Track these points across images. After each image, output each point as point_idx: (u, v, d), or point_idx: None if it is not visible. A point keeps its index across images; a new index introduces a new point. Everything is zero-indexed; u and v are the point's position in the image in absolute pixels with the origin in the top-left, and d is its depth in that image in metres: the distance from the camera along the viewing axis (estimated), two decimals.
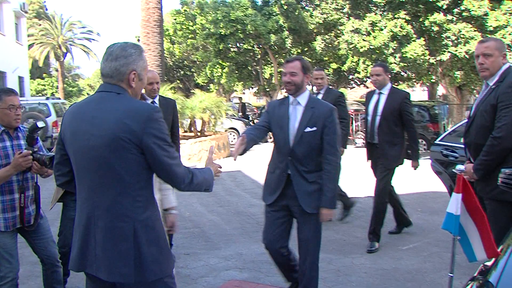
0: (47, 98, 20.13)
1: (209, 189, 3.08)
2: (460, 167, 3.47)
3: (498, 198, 4.20)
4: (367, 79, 37.83)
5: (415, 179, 11.62)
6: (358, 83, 42.93)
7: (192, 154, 16.28)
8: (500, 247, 2.66)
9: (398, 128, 6.70)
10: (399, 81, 29.75)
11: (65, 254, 5.01)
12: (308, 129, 4.35)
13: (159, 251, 2.86)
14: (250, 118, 27.93)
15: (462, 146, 5.99)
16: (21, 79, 34.93)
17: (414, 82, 28.03)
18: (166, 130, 2.81)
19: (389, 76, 6.93)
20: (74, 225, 2.93)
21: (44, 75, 60.10)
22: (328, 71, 37.21)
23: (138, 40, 36.12)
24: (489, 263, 2.65)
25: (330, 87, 8.95)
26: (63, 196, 5.25)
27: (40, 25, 55.32)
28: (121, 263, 2.74)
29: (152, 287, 2.86)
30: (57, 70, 59.12)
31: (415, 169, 6.96)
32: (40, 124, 4.58)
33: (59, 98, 26.90)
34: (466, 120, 6.47)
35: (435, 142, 6.39)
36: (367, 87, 45.90)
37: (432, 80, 19.70)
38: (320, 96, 7.46)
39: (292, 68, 4.37)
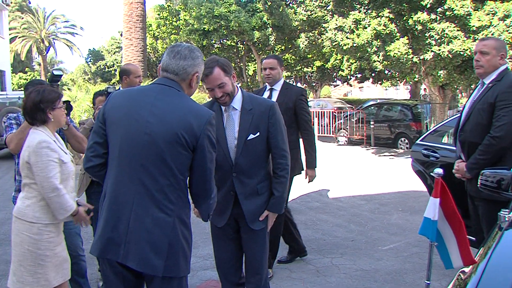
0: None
1: (210, 217, 3.17)
2: (438, 170, 3.37)
3: (490, 198, 4.14)
4: (351, 77, 38.05)
5: (396, 178, 11.63)
6: (342, 80, 43.05)
7: None
8: (478, 252, 2.59)
9: (292, 129, 5.60)
10: (383, 80, 29.87)
11: None
12: (251, 136, 3.72)
13: (189, 249, 2.93)
14: None
15: (443, 146, 5.98)
16: (2, 73, 34.58)
17: (398, 80, 28.13)
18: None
19: (283, 70, 6.10)
20: (101, 209, 2.89)
21: (26, 69, 59.49)
22: (312, 69, 37.32)
23: (121, 35, 35.84)
24: (467, 270, 2.58)
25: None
26: (88, 187, 5.24)
27: (22, 18, 54.80)
28: (154, 254, 2.76)
29: (174, 284, 2.89)
30: (39, 64, 58.70)
31: (310, 180, 5.85)
32: (57, 72, 4.84)
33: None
34: (448, 120, 6.47)
35: (416, 142, 6.32)
36: (351, 85, 46.15)
37: (415, 79, 19.73)
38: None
39: (218, 80, 3.61)
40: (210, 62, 3.63)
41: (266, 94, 5.83)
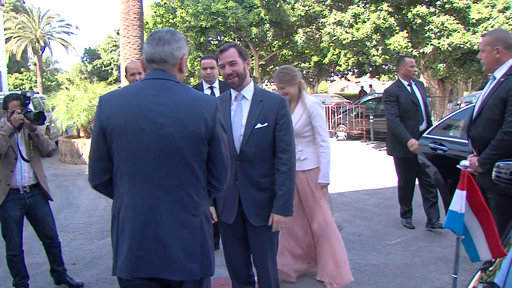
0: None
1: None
2: (464, 162, 3.31)
3: (503, 192, 4.10)
4: (348, 72, 38.03)
5: None
6: (339, 76, 43.04)
7: None
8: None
9: None
10: (381, 74, 29.82)
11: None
12: (259, 125, 3.70)
13: (213, 246, 2.83)
14: None
15: (451, 139, 5.95)
16: None
17: (396, 75, 28.12)
18: None
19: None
20: (118, 227, 2.70)
21: (22, 69, 59.29)
22: (309, 64, 37.27)
23: (118, 33, 35.67)
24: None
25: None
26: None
27: (17, 18, 54.59)
28: (189, 259, 2.66)
29: (204, 283, 2.84)
30: (35, 64, 58.47)
31: None
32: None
33: (38, 93, 26.48)
34: (454, 113, 6.44)
35: (423, 135, 6.29)
36: (348, 80, 46.15)
37: (415, 72, 19.74)
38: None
39: (230, 57, 3.72)
40: (228, 43, 3.78)
41: (207, 92, 6.14)
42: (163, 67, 2.75)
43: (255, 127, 3.70)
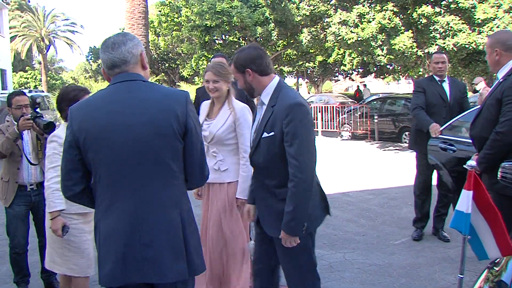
0: (30, 91, 19.87)
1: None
2: (471, 162, 3.29)
3: (501, 192, 4.10)
4: (353, 71, 38.02)
5: (403, 172, 11.58)
6: (344, 75, 43.02)
7: None
8: None
9: None
10: (385, 74, 29.79)
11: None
12: (265, 134, 3.38)
13: (198, 244, 2.81)
14: None
15: (460, 139, 5.95)
16: (3, 72, 34.58)
17: (400, 75, 28.07)
18: None
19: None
20: (103, 236, 2.66)
21: (27, 68, 59.46)
22: (314, 64, 37.26)
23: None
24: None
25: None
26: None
27: (22, 17, 54.71)
28: (176, 259, 2.63)
29: (190, 284, 2.81)
30: (40, 63, 58.62)
31: None
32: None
33: (42, 91, 26.54)
34: (464, 114, 6.44)
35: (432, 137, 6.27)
36: (352, 80, 46.11)
37: (420, 73, 19.67)
38: None
39: (234, 74, 3.58)
40: (230, 58, 3.64)
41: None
42: (126, 69, 2.70)
43: (262, 136, 3.40)
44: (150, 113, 2.59)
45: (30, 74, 57.83)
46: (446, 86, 6.66)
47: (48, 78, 55.56)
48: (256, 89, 3.51)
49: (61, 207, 3.98)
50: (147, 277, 2.59)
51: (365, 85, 36.36)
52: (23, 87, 49.46)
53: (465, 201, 3.19)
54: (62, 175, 2.75)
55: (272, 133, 3.32)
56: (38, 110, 4.86)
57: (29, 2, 59.61)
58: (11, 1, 45.79)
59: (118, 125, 2.58)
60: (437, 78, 6.67)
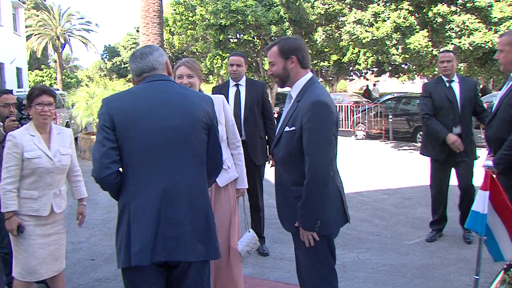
0: None
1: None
2: (488, 163, 3.26)
3: None
4: (368, 71, 37.83)
5: (417, 172, 11.51)
6: (358, 74, 42.84)
7: None
8: None
9: (261, 120, 6.26)
10: (400, 73, 29.62)
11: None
12: (287, 128, 3.41)
13: (215, 232, 2.99)
14: None
15: None
16: (19, 70, 34.82)
17: (415, 74, 27.91)
18: None
19: (247, 67, 6.44)
20: (132, 216, 2.78)
21: (42, 66, 59.74)
22: (329, 63, 37.13)
23: (137, 30, 35.79)
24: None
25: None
26: None
27: (38, 16, 55.03)
28: (198, 240, 2.83)
29: (206, 268, 3.00)
30: (55, 61, 58.96)
31: (273, 164, 4.76)
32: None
33: (58, 89, 26.69)
34: None
35: None
36: (367, 79, 45.90)
37: (435, 72, 19.54)
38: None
39: (270, 57, 3.54)
40: (273, 42, 3.65)
41: (232, 90, 6.18)
42: (155, 73, 2.99)
43: (284, 130, 3.45)
44: (185, 105, 2.89)
45: (45, 72, 58.11)
46: (455, 86, 6.49)
47: (63, 77, 55.81)
48: (291, 79, 3.52)
49: (14, 208, 3.98)
50: (174, 255, 2.75)
51: (374, 85, 36.24)
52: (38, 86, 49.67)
53: (481, 201, 3.15)
54: (97, 157, 2.81)
55: (293, 128, 3.36)
56: (23, 112, 4.98)
57: (45, 1, 59.95)
58: (27, 0, 46.03)
59: (156, 112, 2.82)
60: (445, 79, 6.53)
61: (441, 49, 15.20)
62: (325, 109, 3.27)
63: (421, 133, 18.11)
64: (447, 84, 6.48)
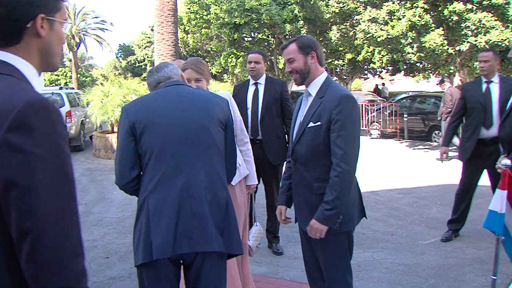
0: (61, 88, 20.11)
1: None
2: (506, 162, 3.21)
3: None
4: (382, 69, 37.66)
5: (433, 171, 11.45)
6: (373, 73, 42.66)
7: None
8: None
9: (280, 119, 6.16)
10: (415, 72, 29.46)
11: None
12: (311, 124, 3.37)
13: (236, 227, 3.02)
14: None
15: None
16: None
17: (430, 73, 27.73)
18: None
19: (266, 65, 6.34)
20: (152, 209, 2.83)
21: None
22: (343, 61, 37.02)
23: (152, 29, 35.84)
24: None
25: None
26: None
27: None
28: (218, 232, 2.87)
29: (224, 261, 3.00)
30: (70, 60, 59.15)
31: None
32: None
33: (73, 88, 26.81)
34: None
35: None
36: (382, 78, 45.72)
37: (451, 71, 19.39)
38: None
39: (288, 54, 3.50)
40: (291, 39, 3.64)
41: (251, 88, 6.16)
42: (170, 81, 3.15)
43: (308, 126, 3.40)
44: (202, 102, 3.03)
45: (60, 71, 58.47)
46: (494, 87, 6.20)
47: (79, 75, 56.09)
48: (311, 75, 3.51)
49: None
50: (196, 246, 2.79)
51: (383, 84, 36.19)
52: (53, 84, 50.06)
53: (499, 201, 3.10)
54: (118, 165, 2.96)
55: (318, 123, 3.34)
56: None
57: None
58: None
59: (174, 110, 2.93)
60: (483, 79, 6.28)
61: (462, 48, 15.12)
62: (354, 104, 3.34)
63: (436, 132, 18.03)
64: (485, 85, 6.23)
